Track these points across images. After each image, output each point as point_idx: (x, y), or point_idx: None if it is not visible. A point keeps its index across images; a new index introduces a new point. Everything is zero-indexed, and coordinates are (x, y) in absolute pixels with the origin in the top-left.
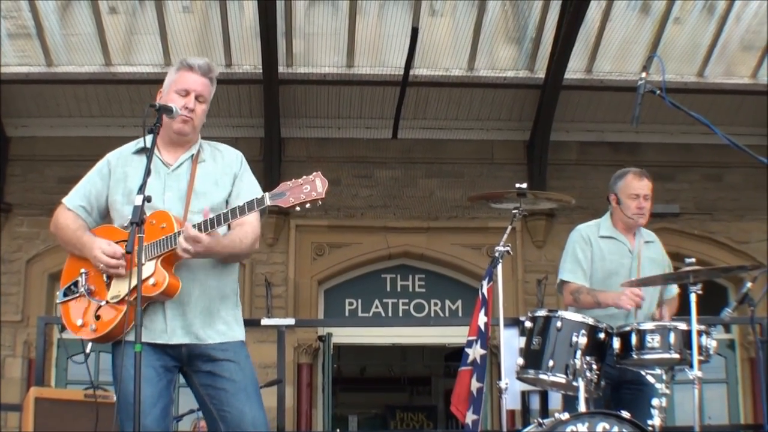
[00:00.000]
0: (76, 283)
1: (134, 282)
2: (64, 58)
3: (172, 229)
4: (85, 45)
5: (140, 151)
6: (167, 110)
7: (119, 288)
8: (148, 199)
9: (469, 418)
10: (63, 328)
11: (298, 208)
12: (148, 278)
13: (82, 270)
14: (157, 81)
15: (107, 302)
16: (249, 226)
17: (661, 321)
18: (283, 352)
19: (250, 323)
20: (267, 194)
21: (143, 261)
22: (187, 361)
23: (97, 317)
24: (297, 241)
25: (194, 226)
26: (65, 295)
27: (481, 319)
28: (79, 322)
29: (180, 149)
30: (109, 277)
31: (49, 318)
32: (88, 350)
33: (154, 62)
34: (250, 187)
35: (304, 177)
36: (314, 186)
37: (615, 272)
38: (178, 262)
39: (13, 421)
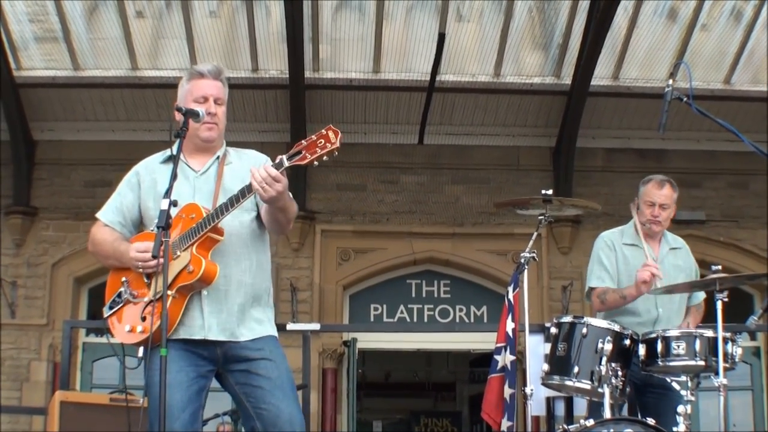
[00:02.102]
0: (119, 294)
1: (171, 275)
2: (91, 61)
3: (201, 218)
4: (111, 49)
5: (167, 160)
6: (193, 114)
7: (160, 285)
8: (174, 203)
9: (505, 425)
10: (110, 334)
11: (316, 163)
12: (185, 267)
13: (123, 279)
14: None
15: (151, 300)
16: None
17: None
18: (308, 357)
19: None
20: (284, 156)
21: (178, 253)
22: (222, 362)
23: (143, 318)
24: (322, 246)
25: (216, 208)
26: (111, 308)
27: (509, 326)
28: (127, 329)
29: (206, 155)
30: (149, 277)
31: (75, 322)
32: (140, 354)
33: (181, 66)
34: None
35: (317, 133)
36: (328, 138)
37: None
38: (213, 248)
39: (39, 425)
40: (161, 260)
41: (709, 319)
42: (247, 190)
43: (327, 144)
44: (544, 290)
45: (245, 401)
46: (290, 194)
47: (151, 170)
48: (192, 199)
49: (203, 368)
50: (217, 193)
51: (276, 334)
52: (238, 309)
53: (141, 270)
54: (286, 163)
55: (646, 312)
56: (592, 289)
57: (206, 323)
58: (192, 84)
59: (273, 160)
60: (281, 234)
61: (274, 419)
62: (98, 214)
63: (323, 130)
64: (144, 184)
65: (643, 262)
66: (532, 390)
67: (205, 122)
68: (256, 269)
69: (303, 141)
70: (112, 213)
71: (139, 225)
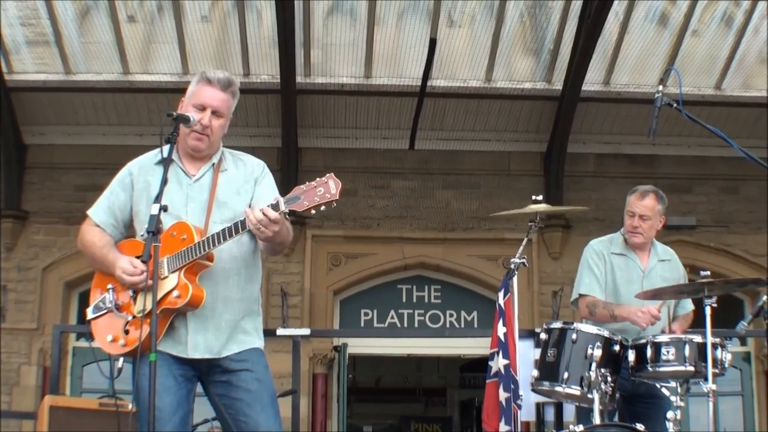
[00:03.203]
0: (104, 299)
1: (158, 294)
2: (83, 66)
3: (192, 240)
4: (103, 53)
5: (162, 161)
6: (184, 120)
7: (144, 302)
8: (164, 209)
9: (502, 429)
10: (91, 337)
11: (313, 212)
12: (171, 290)
13: (109, 286)
14: (175, 90)
15: (134, 317)
16: (287, 221)
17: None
18: (298, 362)
19: (266, 333)
20: (282, 199)
21: (166, 273)
22: (206, 372)
23: (126, 332)
24: (313, 251)
25: (209, 237)
26: (94, 312)
27: (500, 330)
28: (109, 338)
29: (202, 159)
30: (135, 291)
31: (65, 326)
32: (120, 365)
33: (172, 71)
34: (268, 192)
35: (318, 179)
36: (328, 188)
37: (625, 288)
38: (201, 272)
39: (28, 430)
40: (149, 274)
41: (699, 324)
42: (241, 225)
43: (326, 194)
44: (535, 296)
45: (224, 412)
46: (288, 224)
47: (145, 171)
48: (185, 207)
49: (189, 372)
50: (210, 205)
51: (262, 344)
52: (226, 325)
53: (128, 287)
54: (283, 207)
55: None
56: (581, 296)
57: (191, 341)
58: (198, 88)
59: (267, 166)
60: (274, 255)
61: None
62: (89, 212)
63: (324, 178)
64: (137, 186)
65: (629, 275)
66: (521, 395)
67: (194, 130)
68: (244, 283)
69: (303, 186)
70: (103, 213)
71: (130, 225)
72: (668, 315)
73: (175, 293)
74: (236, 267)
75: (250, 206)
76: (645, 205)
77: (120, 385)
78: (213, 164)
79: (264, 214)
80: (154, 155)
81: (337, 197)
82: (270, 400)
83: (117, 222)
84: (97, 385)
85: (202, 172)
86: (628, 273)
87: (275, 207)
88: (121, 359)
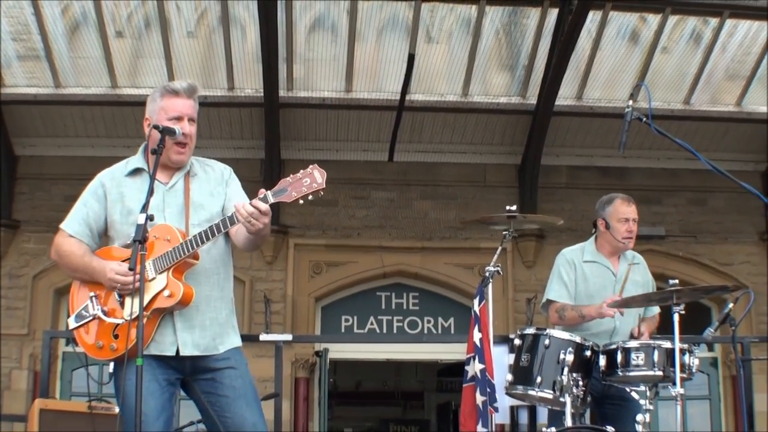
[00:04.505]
0: (86, 308)
1: (147, 297)
2: (72, 80)
3: (177, 241)
4: (92, 67)
5: (132, 173)
6: (170, 132)
7: (134, 306)
8: (150, 218)
9: (480, 431)
10: (75, 344)
11: (301, 201)
12: (162, 291)
13: (91, 294)
14: None
15: (125, 320)
16: None
17: (640, 338)
18: (280, 366)
19: (249, 338)
20: (269, 192)
21: (153, 275)
22: (190, 372)
23: (116, 336)
24: (295, 259)
25: (195, 236)
26: (77, 321)
27: (476, 336)
28: (99, 345)
29: (172, 168)
30: (122, 296)
31: (55, 332)
32: (110, 369)
33: (159, 85)
34: (238, 192)
35: (302, 171)
36: (314, 178)
37: (598, 294)
38: (186, 271)
39: None
40: (137, 277)
41: (667, 330)
42: (230, 221)
43: (313, 184)
44: (509, 302)
45: (210, 409)
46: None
47: (117, 183)
48: (163, 213)
49: (172, 376)
50: (187, 208)
51: (240, 343)
52: (210, 323)
53: (120, 290)
54: (271, 199)
55: (605, 324)
56: (550, 302)
57: (179, 340)
58: (165, 102)
59: (247, 179)
60: (253, 251)
61: (238, 427)
62: (63, 225)
63: (309, 169)
64: (110, 197)
65: (602, 281)
66: (496, 399)
67: (178, 142)
68: (223, 281)
69: (288, 178)
70: (78, 224)
71: (103, 235)
72: (638, 317)
73: (166, 292)
74: (216, 267)
75: (223, 206)
76: (633, 209)
77: (109, 389)
78: (185, 173)
79: (255, 207)
80: (123, 167)
81: (324, 186)
82: (253, 397)
83: (92, 232)
84: (87, 389)
85: (174, 180)
86: (602, 279)
87: (263, 200)
88: (112, 364)
